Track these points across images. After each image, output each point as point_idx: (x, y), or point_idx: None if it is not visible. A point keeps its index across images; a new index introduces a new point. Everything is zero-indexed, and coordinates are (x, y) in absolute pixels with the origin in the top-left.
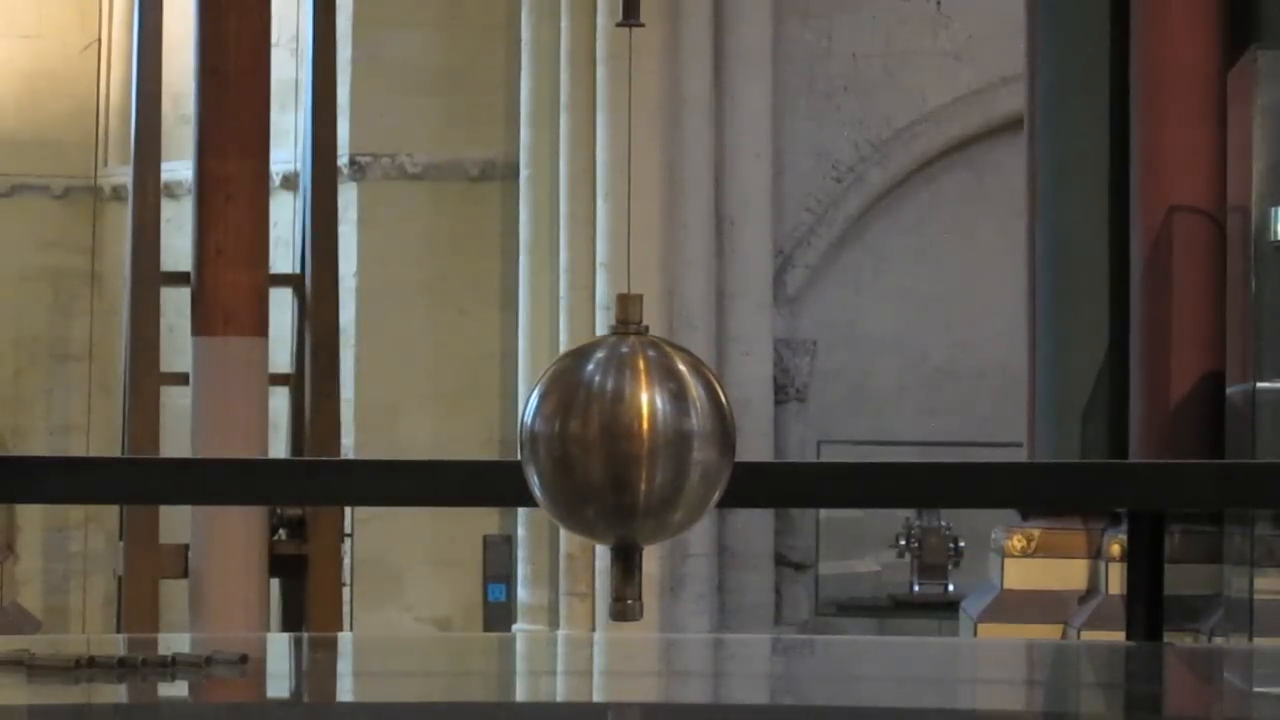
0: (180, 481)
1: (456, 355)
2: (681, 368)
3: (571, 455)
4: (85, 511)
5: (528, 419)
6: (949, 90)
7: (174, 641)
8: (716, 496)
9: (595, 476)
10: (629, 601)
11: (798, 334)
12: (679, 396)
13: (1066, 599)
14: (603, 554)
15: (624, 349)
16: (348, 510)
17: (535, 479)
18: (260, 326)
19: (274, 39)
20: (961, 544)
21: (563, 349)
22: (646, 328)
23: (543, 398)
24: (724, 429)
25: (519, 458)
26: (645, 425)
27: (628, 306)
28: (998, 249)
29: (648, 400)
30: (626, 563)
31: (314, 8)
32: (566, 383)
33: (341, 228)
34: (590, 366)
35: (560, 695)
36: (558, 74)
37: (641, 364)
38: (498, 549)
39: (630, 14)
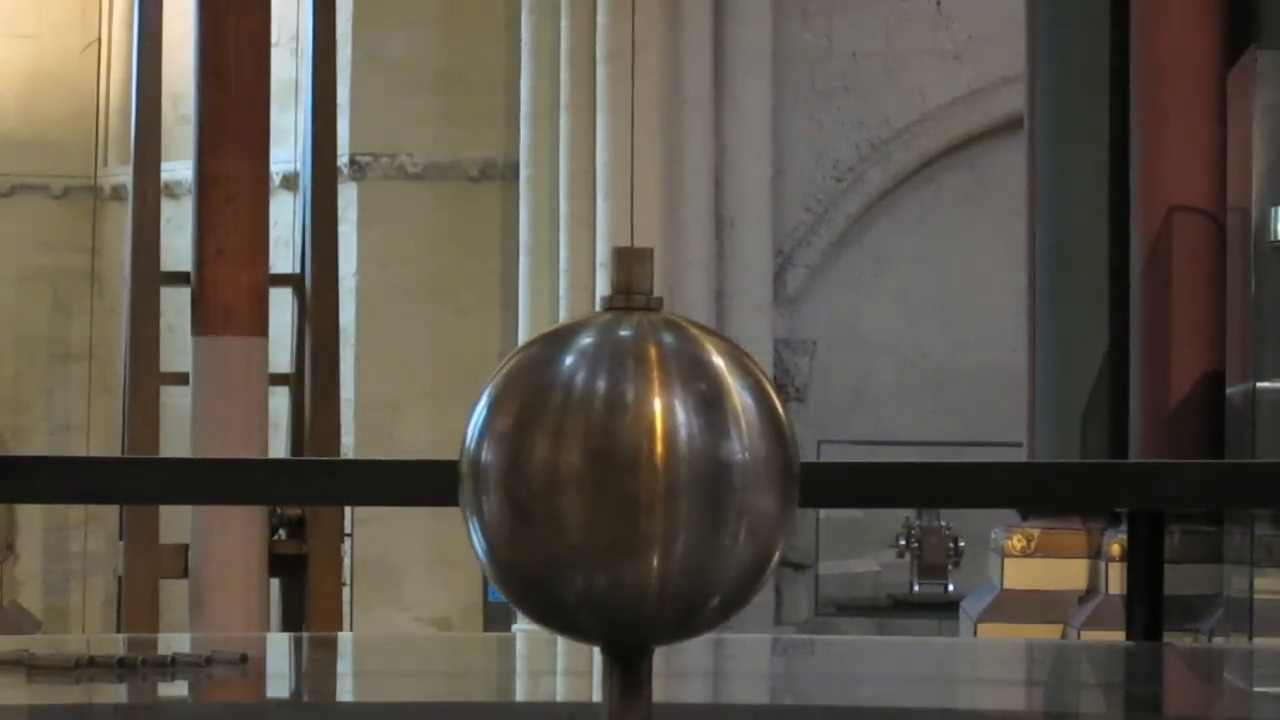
0: (180, 481)
1: (456, 355)
2: (717, 362)
3: (538, 503)
4: (85, 511)
5: (470, 441)
6: (949, 90)
7: (174, 641)
8: (774, 563)
9: (578, 535)
10: None
11: (798, 334)
12: (713, 405)
13: (1066, 599)
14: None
15: (624, 332)
16: (348, 510)
17: (479, 535)
18: (260, 326)
19: (274, 39)
20: (961, 544)
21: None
22: (659, 301)
23: (494, 409)
24: (784, 460)
25: (458, 498)
26: (660, 451)
27: (631, 267)
28: (998, 249)
29: (664, 410)
30: (629, 674)
31: (314, 8)
32: (532, 386)
33: (341, 228)
34: (570, 359)
35: (560, 695)
36: (558, 74)
37: (653, 353)
38: None
39: None
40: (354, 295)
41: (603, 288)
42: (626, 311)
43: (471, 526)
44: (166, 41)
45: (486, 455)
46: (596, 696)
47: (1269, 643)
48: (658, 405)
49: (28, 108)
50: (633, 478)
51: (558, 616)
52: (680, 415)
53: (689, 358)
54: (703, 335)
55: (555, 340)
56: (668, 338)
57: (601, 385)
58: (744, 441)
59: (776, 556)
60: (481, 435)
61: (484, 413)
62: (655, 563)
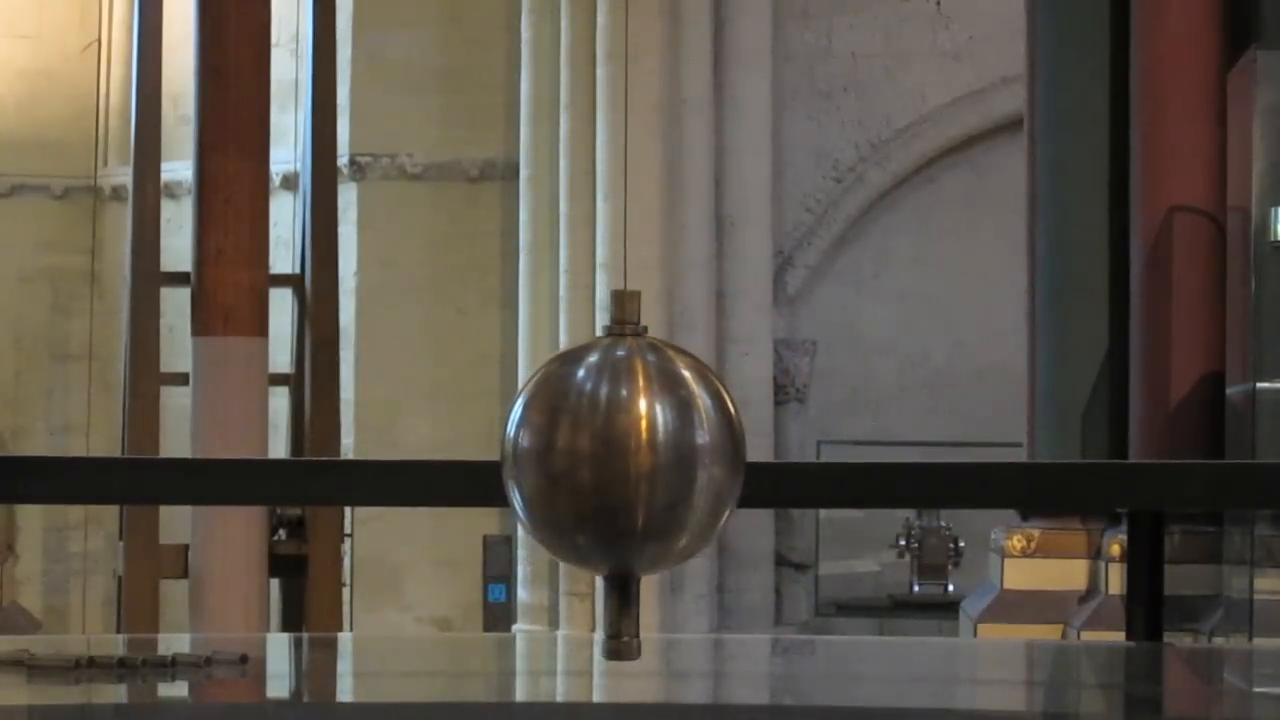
0: (180, 481)
1: (456, 355)
2: (685, 373)
3: (560, 473)
4: (85, 511)
5: (511, 432)
6: (949, 90)
7: (174, 641)
8: (725, 518)
9: (588, 497)
10: (625, 639)
11: (797, 334)
12: (683, 406)
13: (1066, 599)
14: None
15: (619, 352)
16: (348, 510)
17: (519, 500)
18: (260, 326)
19: (274, 39)
20: (961, 544)
21: (562, 349)
22: (645, 329)
23: (528, 407)
24: (734, 443)
25: (502, 476)
26: (645, 438)
27: (624, 304)
28: (998, 249)
29: (647, 410)
30: (623, 594)
31: (314, 8)
32: (555, 391)
33: (341, 228)
34: (581, 372)
35: (560, 695)
36: (558, 74)
37: (639, 368)
38: (498, 549)
39: None
40: (354, 295)
41: (602, 289)
42: (621, 337)
43: (512, 492)
44: (166, 41)
45: (523, 441)
46: (597, 697)
47: (1269, 643)
48: (644, 406)
49: (28, 108)
50: (627, 456)
51: (574, 553)
52: (660, 412)
53: (666, 371)
54: (676, 355)
55: (570, 359)
56: (651, 357)
57: (605, 391)
58: (706, 431)
59: (729, 512)
60: (519, 426)
61: (520, 410)
62: (642, 514)
